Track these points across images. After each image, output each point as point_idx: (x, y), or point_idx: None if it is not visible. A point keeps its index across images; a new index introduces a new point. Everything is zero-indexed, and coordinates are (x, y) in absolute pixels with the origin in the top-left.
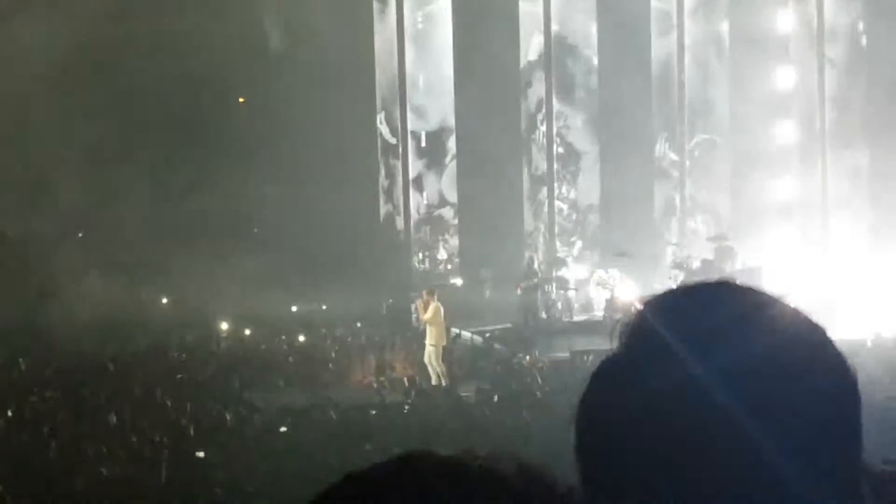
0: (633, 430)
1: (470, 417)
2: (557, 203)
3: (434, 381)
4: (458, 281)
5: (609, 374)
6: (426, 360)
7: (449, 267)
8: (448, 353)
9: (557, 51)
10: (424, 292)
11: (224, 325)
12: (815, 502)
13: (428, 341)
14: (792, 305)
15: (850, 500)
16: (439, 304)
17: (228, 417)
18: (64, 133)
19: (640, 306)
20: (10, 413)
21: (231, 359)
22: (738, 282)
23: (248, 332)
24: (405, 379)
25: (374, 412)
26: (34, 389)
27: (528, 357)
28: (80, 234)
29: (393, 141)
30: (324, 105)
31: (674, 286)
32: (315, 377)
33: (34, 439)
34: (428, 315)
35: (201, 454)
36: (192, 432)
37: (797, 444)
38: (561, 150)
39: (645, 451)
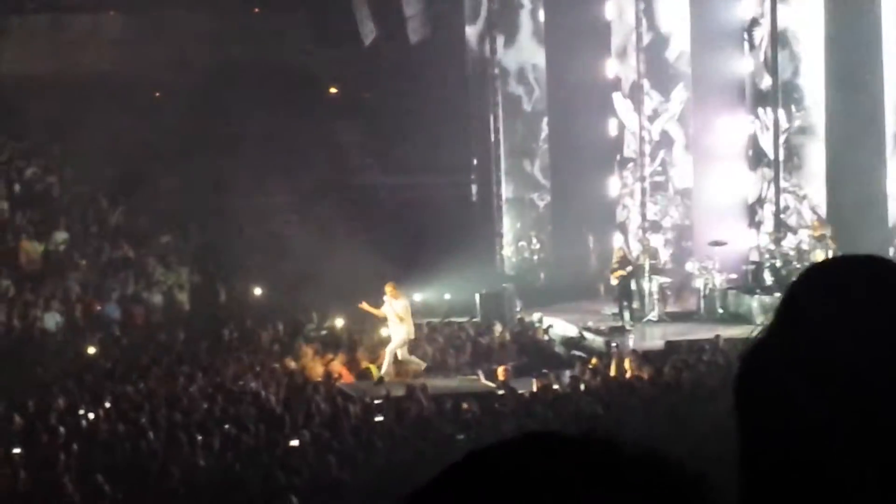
0: (800, 398)
1: (562, 407)
2: (650, 190)
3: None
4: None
5: (771, 345)
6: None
7: (542, 255)
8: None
9: (648, 36)
10: (388, 287)
11: (317, 316)
12: None
13: (400, 336)
14: None
15: None
16: (404, 298)
17: (323, 407)
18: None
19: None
20: (107, 404)
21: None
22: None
23: (339, 322)
24: (499, 370)
25: (465, 405)
26: (129, 379)
27: (621, 347)
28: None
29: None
30: (414, 91)
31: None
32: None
33: (130, 430)
34: (401, 311)
35: (296, 443)
36: (287, 422)
37: None
38: (653, 136)
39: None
